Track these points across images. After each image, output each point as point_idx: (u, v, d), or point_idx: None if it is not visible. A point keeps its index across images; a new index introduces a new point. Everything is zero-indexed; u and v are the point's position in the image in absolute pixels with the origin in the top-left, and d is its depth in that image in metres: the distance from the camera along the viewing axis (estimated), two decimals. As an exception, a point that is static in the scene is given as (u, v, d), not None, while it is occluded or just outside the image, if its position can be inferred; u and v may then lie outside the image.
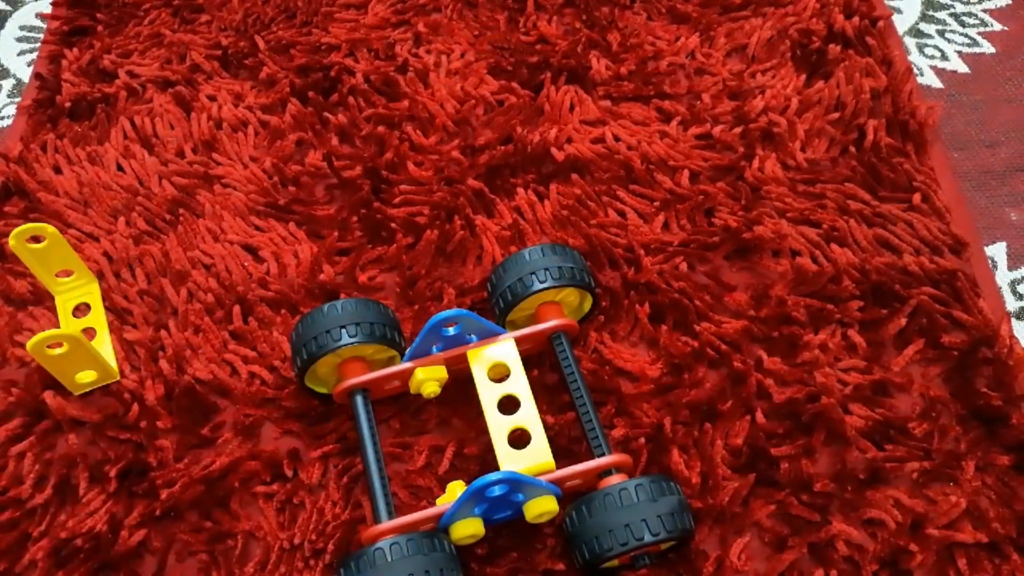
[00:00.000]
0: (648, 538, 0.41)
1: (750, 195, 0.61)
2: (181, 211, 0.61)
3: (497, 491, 0.41)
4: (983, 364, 0.53)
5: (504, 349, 0.48)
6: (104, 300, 0.57)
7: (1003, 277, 0.59)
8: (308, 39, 0.73)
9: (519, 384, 0.47)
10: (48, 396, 0.52)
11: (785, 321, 0.55)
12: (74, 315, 0.57)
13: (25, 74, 0.75)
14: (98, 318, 0.56)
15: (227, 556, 0.47)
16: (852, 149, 0.64)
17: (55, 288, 0.57)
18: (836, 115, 0.65)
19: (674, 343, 0.54)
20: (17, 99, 0.72)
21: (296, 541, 0.47)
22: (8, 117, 0.71)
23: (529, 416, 0.46)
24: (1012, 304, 0.58)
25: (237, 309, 0.56)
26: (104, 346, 0.55)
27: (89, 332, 0.55)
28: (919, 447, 0.49)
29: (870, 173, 0.62)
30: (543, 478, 0.43)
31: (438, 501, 0.44)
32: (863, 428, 0.50)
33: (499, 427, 0.45)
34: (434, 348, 0.49)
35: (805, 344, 0.53)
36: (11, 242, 0.52)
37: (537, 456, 0.44)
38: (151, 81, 0.71)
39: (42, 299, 0.58)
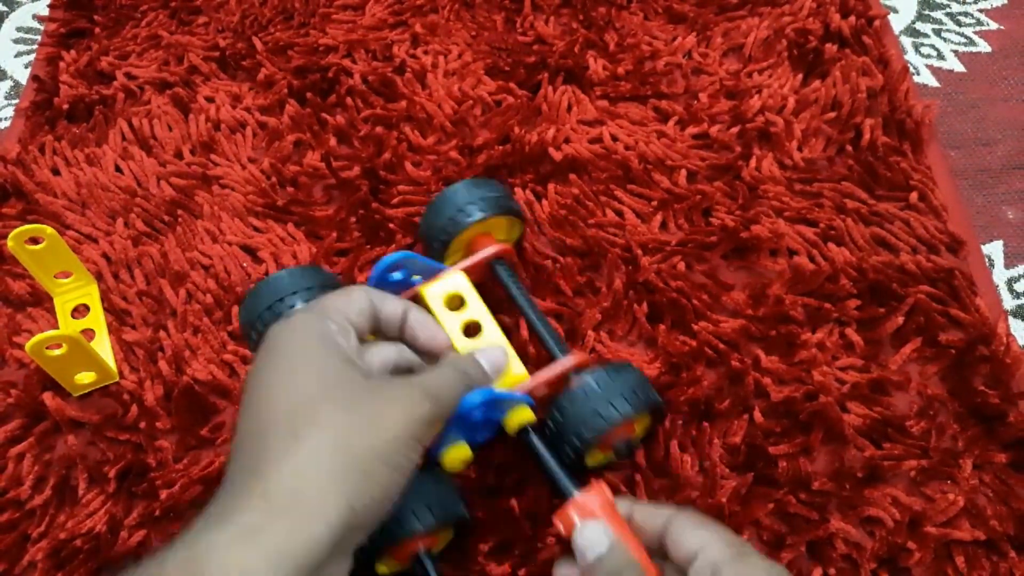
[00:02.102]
0: (616, 416, 0.43)
1: (747, 194, 0.61)
2: (180, 212, 0.62)
3: (479, 414, 0.42)
4: (980, 362, 0.53)
5: (455, 281, 0.48)
6: (103, 301, 0.57)
7: (1000, 275, 0.59)
8: (306, 40, 0.73)
9: (477, 309, 0.47)
10: (47, 397, 0.52)
11: (783, 320, 0.55)
12: (73, 316, 0.57)
13: (22, 76, 0.75)
14: (97, 319, 0.56)
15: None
16: (849, 148, 0.64)
17: (54, 289, 0.57)
18: (833, 114, 0.66)
19: (672, 342, 0.54)
20: (15, 101, 0.72)
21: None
22: (6, 119, 0.71)
23: (494, 335, 0.46)
24: (1009, 302, 0.58)
25: (236, 310, 0.56)
26: (103, 347, 0.55)
27: (88, 333, 0.56)
28: (917, 445, 0.50)
29: (867, 172, 0.62)
30: (517, 389, 0.44)
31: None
32: (861, 426, 0.50)
33: (467, 351, 0.45)
34: None
35: (803, 343, 0.53)
36: (10, 243, 0.52)
37: (511, 372, 0.45)
38: (149, 83, 0.71)
39: (41, 300, 0.58)
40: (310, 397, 0.35)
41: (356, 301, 0.40)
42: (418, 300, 0.48)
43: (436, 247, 0.52)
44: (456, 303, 0.48)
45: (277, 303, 0.47)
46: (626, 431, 0.46)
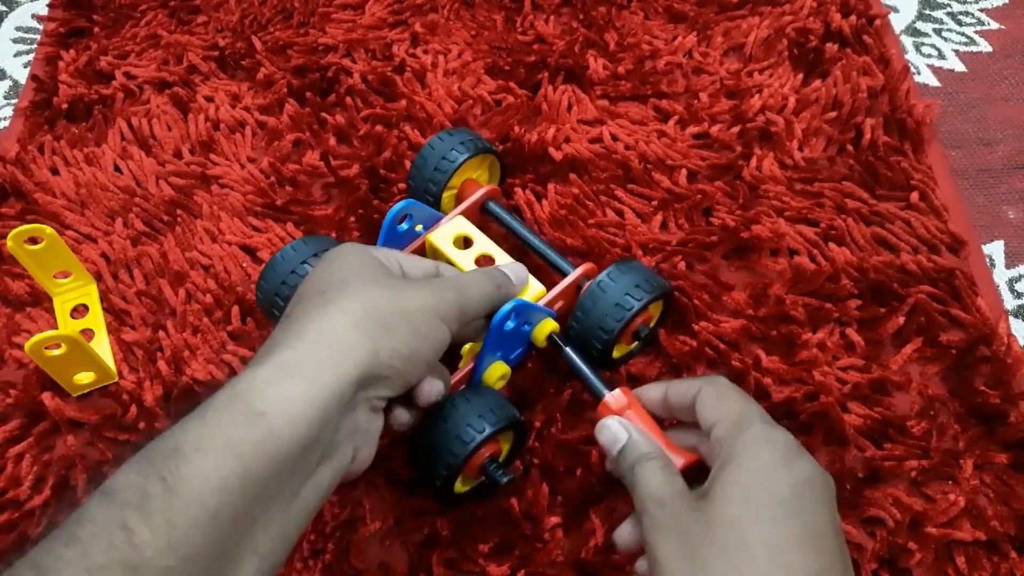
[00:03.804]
0: (634, 305, 0.47)
1: (748, 194, 0.61)
2: (179, 212, 0.61)
3: (511, 324, 0.45)
4: (981, 362, 0.53)
5: (457, 223, 0.52)
6: (102, 301, 0.57)
7: (1001, 275, 0.59)
8: (305, 40, 0.73)
9: (485, 244, 0.51)
10: (46, 397, 0.52)
11: (783, 320, 0.55)
12: (72, 316, 0.57)
13: (22, 76, 0.74)
14: (96, 319, 0.56)
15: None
16: (849, 148, 0.64)
17: (53, 289, 0.57)
18: (833, 114, 0.65)
19: (672, 342, 0.54)
20: (14, 101, 0.72)
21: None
22: (5, 119, 0.71)
23: (507, 262, 0.50)
24: (1010, 302, 0.58)
25: (236, 310, 0.56)
26: (102, 347, 0.55)
27: (87, 333, 0.55)
28: (917, 446, 0.49)
29: (867, 172, 0.62)
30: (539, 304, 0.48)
31: (460, 364, 0.48)
32: (862, 427, 0.50)
33: None
34: None
35: (803, 343, 0.53)
36: (9, 243, 0.52)
37: (530, 291, 0.49)
38: (148, 82, 0.71)
39: (40, 300, 0.58)
40: (346, 276, 0.39)
41: (420, 261, 0.45)
42: (426, 247, 0.52)
43: (430, 200, 0.55)
44: (463, 243, 0.51)
45: (291, 275, 0.49)
46: (644, 319, 0.49)
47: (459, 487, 0.46)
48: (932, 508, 0.47)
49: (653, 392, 0.43)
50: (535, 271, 0.51)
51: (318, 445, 0.34)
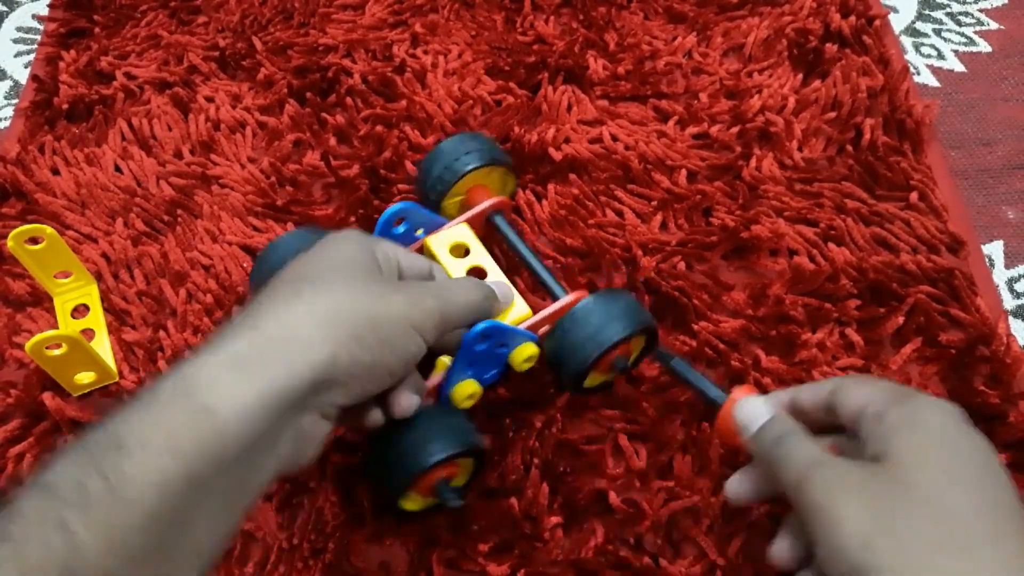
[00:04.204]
0: (612, 337, 0.45)
1: (747, 194, 0.61)
2: (179, 212, 0.61)
3: (483, 345, 0.44)
4: (981, 362, 0.53)
5: (459, 230, 0.51)
6: (103, 301, 0.57)
7: (1000, 275, 0.59)
8: (305, 40, 0.73)
9: (482, 256, 0.50)
10: (47, 397, 0.52)
11: (783, 320, 0.55)
12: (73, 316, 0.57)
13: (22, 76, 0.75)
14: (97, 319, 0.56)
15: (226, 556, 0.47)
16: (849, 148, 0.64)
17: (54, 289, 0.57)
18: (833, 114, 0.65)
19: (672, 342, 0.54)
20: (14, 101, 0.72)
21: (295, 541, 0.47)
22: (5, 119, 0.71)
23: (499, 279, 0.49)
24: (1009, 302, 0.58)
25: (236, 310, 0.56)
26: (103, 347, 0.55)
27: (88, 333, 0.56)
28: (917, 445, 0.49)
29: (867, 172, 0.62)
30: (521, 327, 0.47)
31: (431, 375, 0.46)
32: (861, 426, 0.50)
33: None
34: None
35: (803, 343, 0.53)
36: (9, 243, 0.52)
37: (515, 311, 0.47)
38: (149, 82, 0.71)
39: (41, 300, 0.58)
40: (324, 270, 0.38)
41: (420, 260, 0.44)
42: (423, 251, 0.50)
43: (433, 198, 0.54)
44: (461, 251, 0.50)
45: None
46: (624, 350, 0.48)
47: (410, 505, 0.45)
48: (931, 508, 0.47)
49: (782, 397, 0.42)
50: (532, 291, 0.52)
51: (263, 444, 0.33)
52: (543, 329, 0.48)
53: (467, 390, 0.45)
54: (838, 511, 0.33)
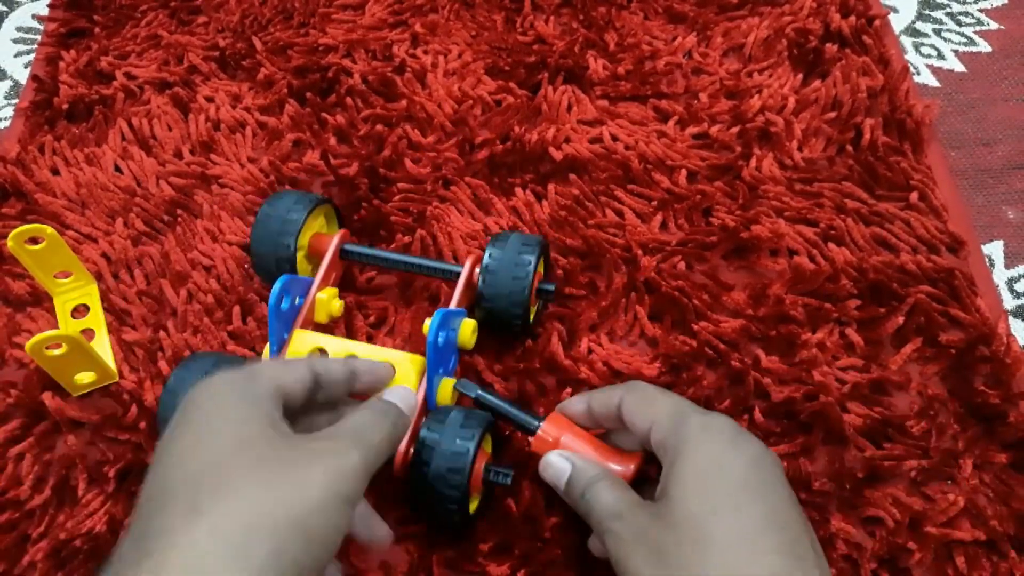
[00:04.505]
0: (529, 269, 0.49)
1: (747, 194, 0.61)
2: (179, 212, 0.61)
3: (443, 336, 0.46)
4: (981, 362, 0.53)
5: (304, 338, 0.49)
6: (103, 301, 0.57)
7: (1000, 275, 0.59)
8: (305, 40, 0.73)
9: (339, 345, 0.48)
10: (47, 397, 0.52)
11: (783, 320, 0.55)
12: (73, 316, 0.57)
13: (22, 76, 0.75)
14: (97, 319, 0.56)
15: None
16: (849, 148, 0.64)
17: (54, 289, 0.57)
18: (833, 114, 0.65)
19: (672, 342, 0.54)
20: (14, 101, 0.72)
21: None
22: (5, 119, 0.71)
23: (369, 354, 0.47)
24: (1009, 302, 0.58)
25: (237, 310, 0.56)
26: (103, 347, 0.55)
27: (88, 333, 0.56)
28: (917, 445, 0.49)
29: (867, 172, 0.62)
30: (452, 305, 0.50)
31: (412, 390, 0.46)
32: (861, 426, 0.50)
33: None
34: (285, 334, 0.49)
35: (803, 343, 0.53)
36: (9, 243, 0.52)
37: (408, 379, 0.46)
38: (149, 82, 0.71)
39: (41, 300, 0.58)
40: (220, 460, 0.31)
41: (295, 367, 0.37)
42: (311, 318, 0.51)
43: (286, 268, 0.53)
44: (320, 353, 0.49)
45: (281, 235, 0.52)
46: (537, 277, 0.52)
47: (472, 506, 0.45)
48: (932, 508, 0.47)
49: (577, 406, 0.43)
50: (425, 287, 0.56)
51: None
52: (466, 303, 0.51)
53: (447, 387, 0.47)
54: (627, 562, 0.35)
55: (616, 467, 0.41)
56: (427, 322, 0.46)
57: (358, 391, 0.41)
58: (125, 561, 0.29)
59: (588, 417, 0.43)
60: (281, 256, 0.53)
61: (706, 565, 0.33)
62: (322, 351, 0.48)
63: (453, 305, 0.50)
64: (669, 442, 0.37)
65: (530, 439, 0.44)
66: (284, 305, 0.48)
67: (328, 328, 0.52)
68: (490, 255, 0.50)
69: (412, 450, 0.44)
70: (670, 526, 0.34)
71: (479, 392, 0.46)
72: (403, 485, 0.44)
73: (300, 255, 0.54)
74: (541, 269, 0.53)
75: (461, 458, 0.42)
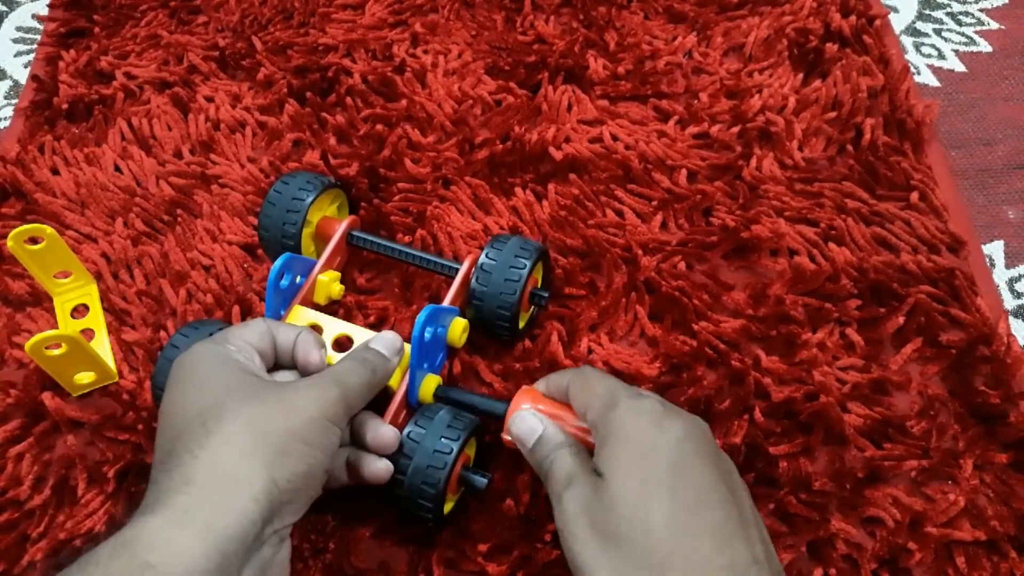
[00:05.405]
0: (523, 273, 0.49)
1: (748, 194, 0.61)
2: (179, 212, 0.61)
3: (429, 332, 0.46)
4: (981, 362, 0.53)
5: (301, 314, 0.50)
6: (102, 301, 0.57)
7: (1000, 275, 0.59)
8: (305, 40, 0.73)
9: (334, 325, 0.49)
10: (46, 397, 0.52)
11: (783, 320, 0.55)
12: (72, 316, 0.57)
13: (22, 76, 0.75)
14: (96, 319, 0.56)
15: (226, 557, 0.47)
16: (849, 148, 0.64)
17: (53, 289, 0.57)
18: (833, 114, 0.65)
19: (672, 342, 0.54)
20: (14, 101, 0.72)
21: (295, 541, 0.47)
22: (5, 119, 0.71)
23: (365, 335, 0.48)
24: (1010, 302, 0.58)
25: (236, 310, 0.56)
26: (102, 347, 0.55)
27: (88, 333, 0.55)
28: (917, 445, 0.49)
29: (867, 172, 0.62)
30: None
31: (393, 389, 0.46)
32: (861, 427, 0.50)
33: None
34: (281, 310, 0.50)
35: (803, 343, 0.53)
36: (9, 243, 0.52)
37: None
38: (148, 82, 0.71)
39: (40, 300, 0.58)
40: (218, 401, 0.36)
41: (254, 327, 0.42)
42: (311, 297, 0.52)
43: (290, 242, 0.54)
44: (317, 331, 0.49)
45: (288, 213, 0.53)
46: (532, 283, 0.51)
47: (448, 507, 0.46)
48: (932, 508, 0.47)
49: (537, 387, 0.45)
50: (425, 286, 0.56)
51: None
52: (460, 301, 0.51)
53: (431, 384, 0.47)
54: (574, 532, 0.36)
55: (583, 435, 0.42)
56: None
57: (298, 357, 0.43)
58: (160, 486, 0.33)
59: (547, 394, 0.44)
60: (287, 236, 0.53)
61: (642, 552, 0.34)
62: (317, 327, 0.49)
63: (447, 302, 0.50)
64: (601, 423, 0.38)
65: (503, 435, 0.44)
66: (284, 282, 0.49)
67: (331, 311, 0.52)
68: (487, 255, 0.50)
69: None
70: (609, 506, 0.35)
71: (448, 393, 0.47)
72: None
73: (307, 233, 0.54)
74: (539, 276, 0.53)
75: (443, 457, 0.43)
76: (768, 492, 0.48)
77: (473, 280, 0.50)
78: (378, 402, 0.43)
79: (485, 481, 0.44)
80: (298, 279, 0.51)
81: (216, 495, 0.33)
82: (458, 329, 0.49)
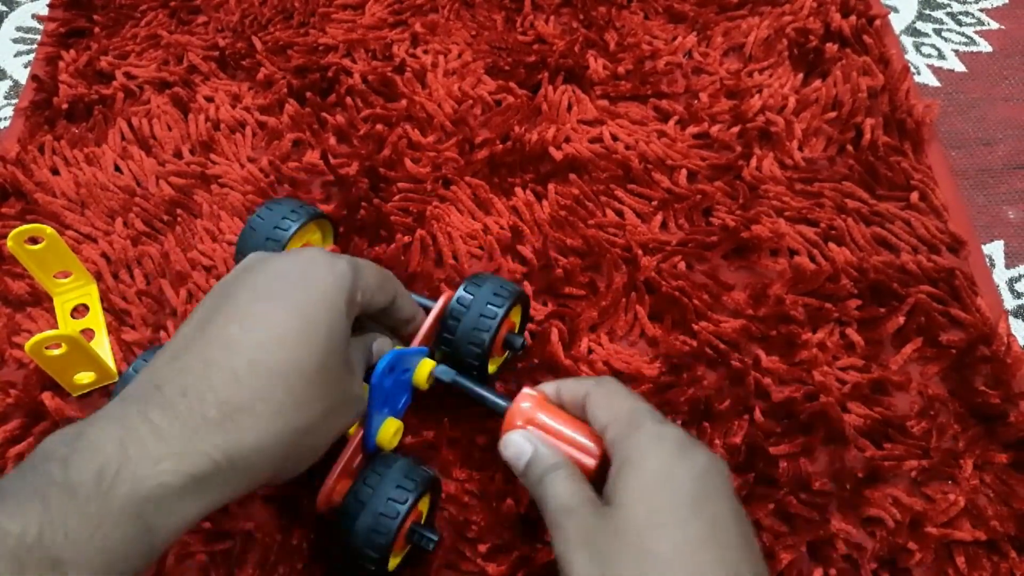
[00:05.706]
0: (498, 313, 0.47)
1: (748, 194, 0.61)
2: (179, 212, 0.61)
3: (389, 379, 0.43)
4: (981, 362, 0.53)
5: None
6: (102, 301, 0.57)
7: (1001, 275, 0.59)
8: (305, 40, 0.73)
9: None
10: (46, 397, 0.52)
11: (783, 320, 0.55)
12: (72, 316, 0.57)
13: (22, 76, 0.75)
14: (96, 319, 0.56)
15: (226, 557, 0.47)
16: (849, 148, 0.64)
17: (53, 289, 0.57)
18: (833, 114, 0.65)
19: (672, 342, 0.54)
20: (14, 101, 0.72)
21: (295, 541, 0.47)
22: (5, 119, 0.71)
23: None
24: (1010, 302, 0.58)
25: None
26: (102, 347, 0.55)
27: (87, 333, 0.55)
28: (917, 445, 0.49)
29: (868, 172, 0.62)
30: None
31: (350, 433, 0.44)
32: (861, 427, 0.50)
33: None
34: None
35: (803, 343, 0.53)
36: (9, 243, 0.52)
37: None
38: (148, 82, 0.71)
39: (40, 300, 0.58)
40: (260, 393, 0.34)
41: (388, 276, 0.43)
42: None
43: None
44: None
45: (267, 242, 0.50)
46: (508, 326, 0.49)
47: (393, 563, 0.44)
48: (932, 508, 0.47)
49: (547, 390, 0.43)
50: (427, 282, 0.55)
51: None
52: (432, 339, 0.48)
53: (391, 428, 0.44)
54: (572, 562, 0.35)
55: (581, 455, 0.40)
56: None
57: (395, 323, 0.45)
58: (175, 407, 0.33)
59: (556, 404, 0.43)
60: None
61: None
62: None
63: (417, 341, 0.47)
64: (620, 444, 0.37)
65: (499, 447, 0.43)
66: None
67: None
68: (458, 299, 0.48)
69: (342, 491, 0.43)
70: (615, 533, 0.35)
71: (456, 377, 0.46)
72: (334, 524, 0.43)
73: None
74: (517, 319, 0.51)
75: (396, 507, 0.41)
76: (768, 492, 0.48)
77: (446, 315, 0.48)
78: (333, 447, 0.40)
79: (432, 543, 0.42)
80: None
81: (241, 470, 0.34)
82: (425, 371, 0.45)
